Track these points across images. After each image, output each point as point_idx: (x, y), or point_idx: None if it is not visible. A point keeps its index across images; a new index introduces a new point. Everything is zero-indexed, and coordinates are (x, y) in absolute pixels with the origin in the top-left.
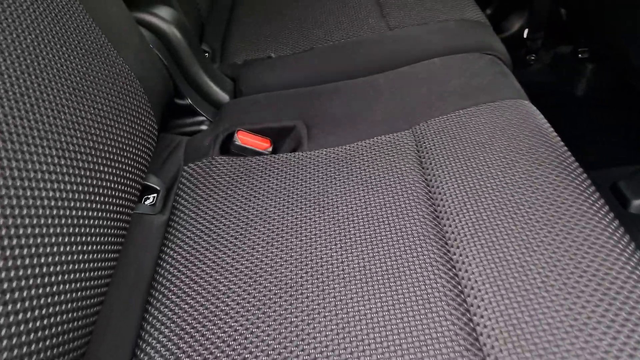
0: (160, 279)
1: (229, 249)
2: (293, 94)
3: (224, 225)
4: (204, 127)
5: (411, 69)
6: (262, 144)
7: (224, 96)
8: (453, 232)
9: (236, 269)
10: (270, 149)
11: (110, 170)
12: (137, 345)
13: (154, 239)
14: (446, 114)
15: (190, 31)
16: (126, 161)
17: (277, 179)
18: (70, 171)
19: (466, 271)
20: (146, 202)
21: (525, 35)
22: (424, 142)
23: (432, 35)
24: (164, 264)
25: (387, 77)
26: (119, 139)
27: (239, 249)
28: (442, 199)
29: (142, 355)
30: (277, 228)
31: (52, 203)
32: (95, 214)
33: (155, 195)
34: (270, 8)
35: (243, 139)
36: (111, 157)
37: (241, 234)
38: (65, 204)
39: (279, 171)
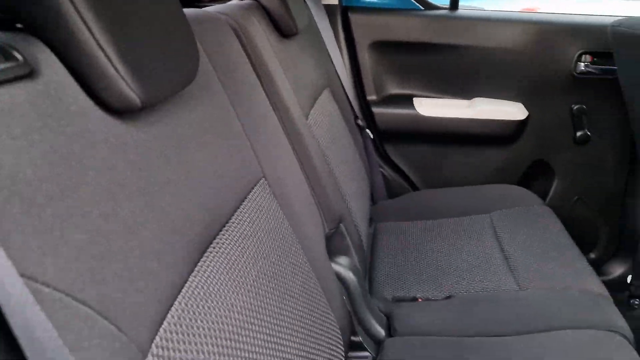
0: None
1: None
2: (444, 342)
3: None
4: None
5: (546, 338)
6: None
7: (381, 333)
8: None
9: None
10: None
11: None
12: None
13: None
14: None
15: (361, 274)
16: None
17: None
18: None
19: None
20: None
21: (628, 281)
22: None
23: (559, 303)
24: None
25: (526, 342)
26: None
27: None
28: None
29: None
30: None
31: None
32: None
33: None
34: (411, 240)
35: None
36: None
37: None
38: None
39: None
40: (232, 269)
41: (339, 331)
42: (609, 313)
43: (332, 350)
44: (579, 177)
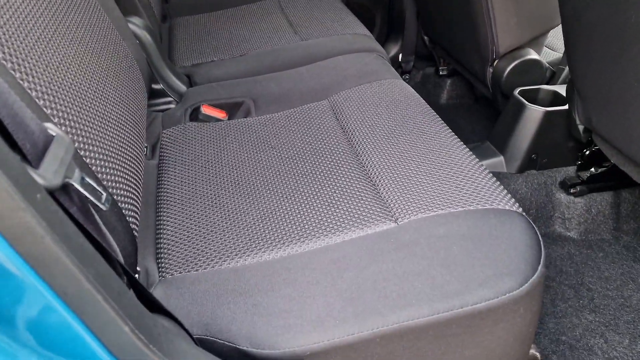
0: (162, 197)
1: (203, 178)
2: (239, 82)
3: (198, 165)
4: (172, 106)
5: (324, 63)
6: (220, 114)
7: (182, 87)
8: (366, 155)
9: (208, 186)
10: (227, 118)
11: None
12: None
13: (152, 176)
14: (349, 88)
15: (157, 36)
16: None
17: (234, 137)
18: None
19: (371, 165)
20: None
21: (400, 59)
22: (337, 107)
23: (335, 43)
24: (162, 192)
25: (307, 68)
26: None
27: (210, 177)
28: (353, 138)
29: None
30: (234, 164)
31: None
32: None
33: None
34: (206, 27)
35: (207, 110)
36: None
37: (210, 171)
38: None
39: (235, 131)
40: None
41: (142, 77)
42: (371, 44)
43: (139, 94)
44: None
